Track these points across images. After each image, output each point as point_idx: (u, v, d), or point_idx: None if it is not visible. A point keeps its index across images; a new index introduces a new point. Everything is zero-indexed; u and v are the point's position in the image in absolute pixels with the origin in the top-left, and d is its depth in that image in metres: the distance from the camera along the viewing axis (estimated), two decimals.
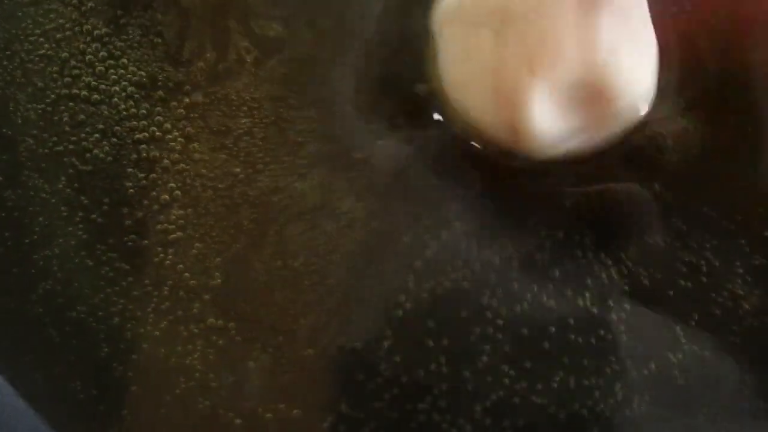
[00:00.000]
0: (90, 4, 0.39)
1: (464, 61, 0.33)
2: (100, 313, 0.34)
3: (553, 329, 0.33)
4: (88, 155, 0.37)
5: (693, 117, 0.35)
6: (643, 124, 0.35)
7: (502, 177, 0.34)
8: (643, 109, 0.34)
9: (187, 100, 0.37)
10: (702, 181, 0.34)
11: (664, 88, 0.35)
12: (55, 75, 0.38)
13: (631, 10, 0.32)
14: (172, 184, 0.36)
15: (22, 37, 0.39)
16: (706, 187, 0.34)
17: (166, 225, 0.35)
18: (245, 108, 0.37)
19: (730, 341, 0.32)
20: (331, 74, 0.37)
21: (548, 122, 0.32)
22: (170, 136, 0.37)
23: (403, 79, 0.36)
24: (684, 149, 0.34)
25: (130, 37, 0.38)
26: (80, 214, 0.36)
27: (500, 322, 0.33)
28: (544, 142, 0.33)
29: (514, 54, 0.31)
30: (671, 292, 0.33)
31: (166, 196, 0.36)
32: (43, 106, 0.38)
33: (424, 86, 0.36)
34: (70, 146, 0.37)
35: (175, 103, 0.37)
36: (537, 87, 0.31)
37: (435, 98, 0.35)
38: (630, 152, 0.34)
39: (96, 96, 0.38)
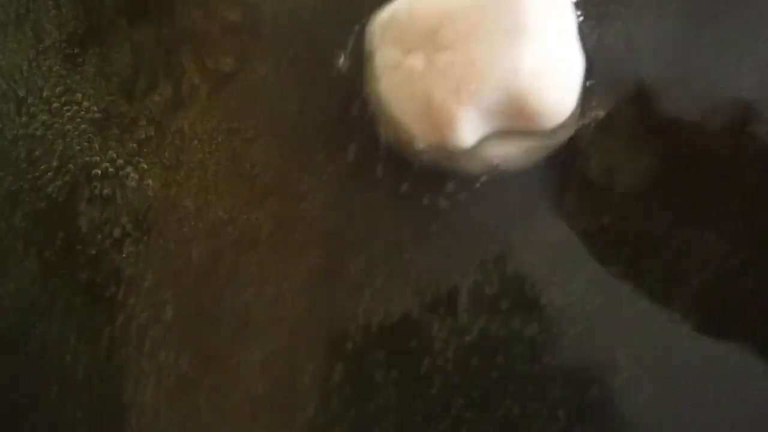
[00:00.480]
0: (47, 42, 0.40)
1: (398, 83, 0.34)
2: (52, 351, 0.35)
3: (501, 358, 0.33)
4: (42, 192, 0.37)
5: (619, 134, 0.35)
6: (571, 139, 0.35)
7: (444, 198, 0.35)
8: (567, 126, 0.34)
9: (141, 135, 0.38)
10: (638, 207, 0.35)
11: (590, 104, 0.35)
12: (12, 114, 0.39)
13: (557, 35, 0.33)
14: (125, 219, 0.36)
15: None
16: (643, 214, 0.34)
17: (118, 260, 0.36)
18: (197, 141, 0.37)
19: (669, 367, 0.32)
20: (282, 104, 0.38)
21: (474, 142, 0.33)
22: (123, 172, 0.37)
23: (346, 101, 0.37)
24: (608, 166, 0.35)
25: (86, 73, 0.39)
26: (34, 250, 0.36)
27: (449, 352, 0.33)
28: (473, 160, 0.34)
29: (443, 81, 0.32)
30: (614, 318, 0.33)
31: (119, 231, 0.36)
32: None
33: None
34: (26, 184, 0.37)
35: (128, 139, 0.37)
36: (464, 113, 0.32)
37: (374, 114, 0.36)
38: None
39: (51, 134, 0.38)
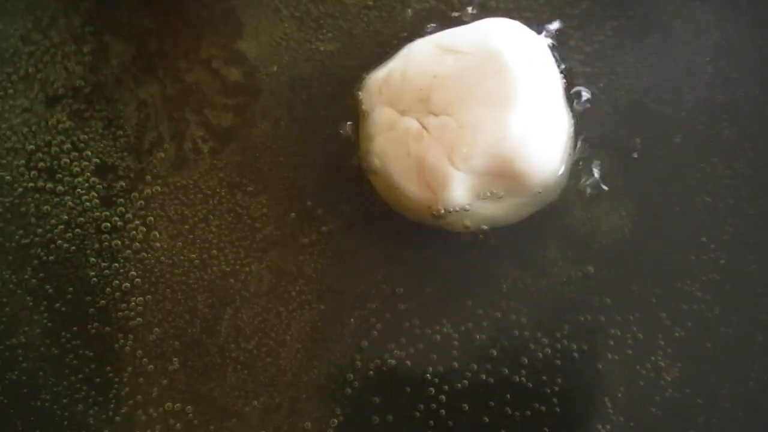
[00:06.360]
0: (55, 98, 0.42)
1: (393, 143, 0.36)
2: (64, 401, 0.36)
3: (492, 404, 0.35)
4: (52, 246, 0.39)
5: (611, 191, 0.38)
6: (559, 198, 0.37)
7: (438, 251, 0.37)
8: (555, 183, 0.37)
9: (147, 190, 0.39)
10: (625, 259, 0.37)
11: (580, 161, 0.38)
12: (21, 168, 0.40)
13: (543, 99, 0.35)
14: (133, 272, 0.38)
15: None
16: (630, 264, 0.37)
17: (126, 312, 0.37)
18: (201, 196, 0.39)
19: (653, 412, 0.34)
20: (281, 160, 0.40)
21: (466, 202, 0.35)
22: (131, 225, 0.39)
23: (342, 158, 0.39)
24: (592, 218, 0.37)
25: (93, 129, 0.41)
26: (45, 303, 0.38)
27: (442, 397, 0.35)
28: (464, 217, 0.36)
29: (436, 144, 0.34)
30: (600, 365, 0.35)
31: (127, 284, 0.38)
32: (11, 199, 0.40)
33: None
34: (36, 238, 0.39)
35: (135, 194, 0.39)
36: (456, 174, 0.34)
37: (369, 171, 0.38)
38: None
39: (60, 187, 0.40)
